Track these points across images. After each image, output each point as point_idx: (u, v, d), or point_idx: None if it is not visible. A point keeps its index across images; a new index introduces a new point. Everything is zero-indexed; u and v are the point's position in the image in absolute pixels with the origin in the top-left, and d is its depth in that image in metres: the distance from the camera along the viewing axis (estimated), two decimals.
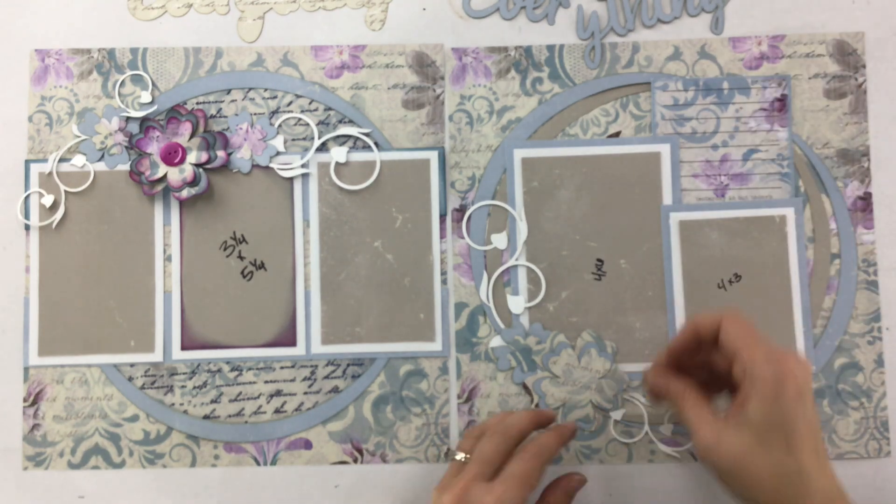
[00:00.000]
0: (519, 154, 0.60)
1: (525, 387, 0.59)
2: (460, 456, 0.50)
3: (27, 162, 0.60)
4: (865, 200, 0.59)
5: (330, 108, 0.60)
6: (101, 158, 0.60)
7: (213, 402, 0.59)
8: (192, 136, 0.59)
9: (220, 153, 0.59)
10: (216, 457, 0.58)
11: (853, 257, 0.59)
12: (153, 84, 0.60)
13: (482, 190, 0.60)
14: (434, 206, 0.60)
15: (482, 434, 0.51)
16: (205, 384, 0.59)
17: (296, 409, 0.59)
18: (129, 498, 0.58)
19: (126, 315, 0.59)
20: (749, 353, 0.45)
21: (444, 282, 0.59)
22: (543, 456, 0.50)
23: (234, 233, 0.60)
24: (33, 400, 0.59)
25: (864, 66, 0.60)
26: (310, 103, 0.60)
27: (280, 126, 0.60)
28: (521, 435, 0.51)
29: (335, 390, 0.59)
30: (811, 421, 0.44)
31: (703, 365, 0.50)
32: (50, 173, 0.60)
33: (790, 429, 0.44)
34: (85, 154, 0.60)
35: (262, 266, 0.60)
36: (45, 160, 0.60)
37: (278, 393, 0.59)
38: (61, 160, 0.60)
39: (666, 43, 0.60)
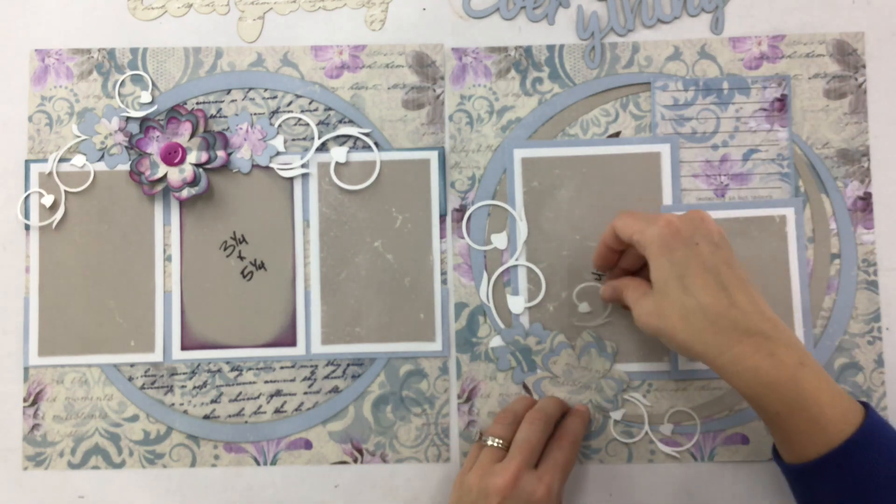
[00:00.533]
0: (519, 154, 0.60)
1: (525, 387, 0.59)
2: (493, 441, 0.52)
3: (27, 162, 0.60)
4: (865, 200, 0.59)
5: (330, 108, 0.60)
6: (101, 158, 0.60)
7: (213, 402, 0.59)
8: (192, 136, 0.59)
9: (220, 153, 0.59)
10: (216, 457, 0.58)
11: (853, 257, 0.59)
12: (153, 84, 0.60)
13: (482, 190, 0.60)
14: (434, 206, 0.60)
15: (514, 420, 0.54)
16: (205, 384, 0.59)
17: (296, 409, 0.59)
18: (129, 498, 0.58)
19: (126, 315, 0.59)
20: (638, 229, 0.50)
21: (444, 282, 0.59)
22: (579, 443, 0.55)
23: (234, 233, 0.60)
24: (33, 400, 0.59)
25: (864, 66, 0.60)
26: (310, 103, 0.60)
27: (280, 126, 0.60)
28: (555, 421, 0.55)
29: (335, 390, 0.59)
30: (707, 260, 0.48)
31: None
32: (50, 173, 0.60)
33: (682, 273, 0.48)
34: (85, 154, 0.60)
35: (262, 266, 0.60)
36: (45, 160, 0.60)
37: (278, 393, 0.59)
38: (61, 160, 0.60)
39: (666, 43, 0.60)
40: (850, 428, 0.45)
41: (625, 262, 0.55)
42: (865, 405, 0.47)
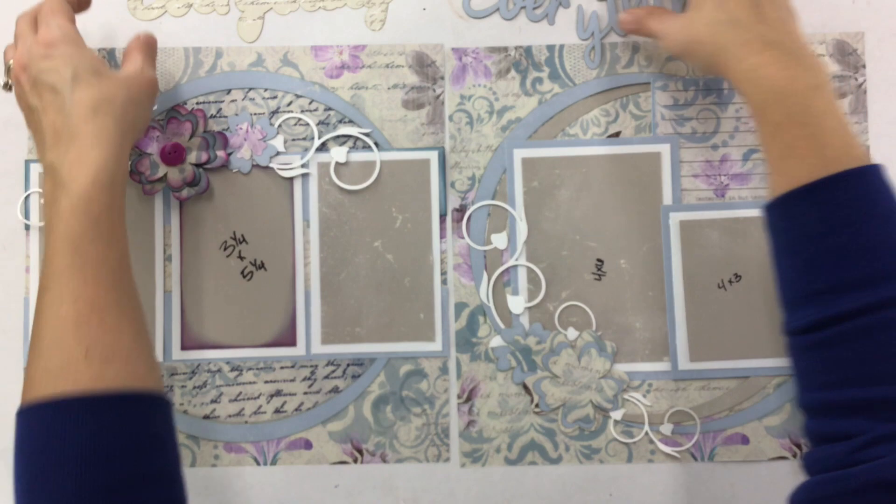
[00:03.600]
0: (519, 154, 0.60)
1: (525, 387, 0.59)
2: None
3: (27, 162, 0.60)
4: None
5: (330, 108, 0.60)
6: None
7: (213, 402, 0.59)
8: (192, 136, 0.59)
9: (220, 153, 0.59)
10: (216, 457, 0.58)
11: None
12: None
13: (482, 190, 0.60)
14: (434, 206, 0.60)
15: None
16: (205, 384, 0.59)
17: (296, 409, 0.59)
18: None
19: None
20: None
21: (444, 282, 0.59)
22: None
23: (234, 233, 0.60)
24: None
25: (864, 66, 0.60)
26: (310, 103, 0.60)
27: (280, 126, 0.60)
28: None
29: (335, 390, 0.59)
30: None
31: None
32: None
33: None
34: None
35: (262, 266, 0.60)
36: None
37: (278, 393, 0.59)
38: None
39: None
40: (850, 161, 0.44)
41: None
42: (881, 165, 0.45)
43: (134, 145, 0.59)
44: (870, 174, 0.44)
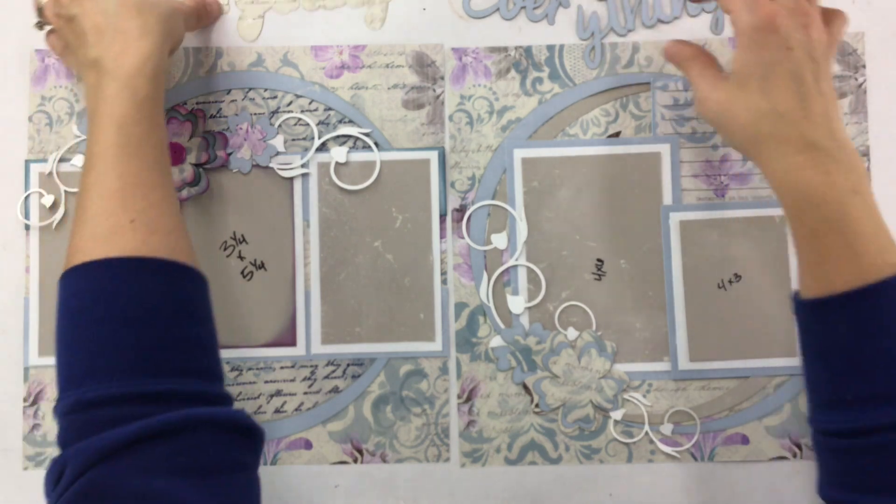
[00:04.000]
0: (519, 154, 0.60)
1: (525, 387, 0.59)
2: None
3: (27, 162, 0.60)
4: None
5: (330, 108, 0.60)
6: None
7: None
8: (192, 136, 0.59)
9: (220, 153, 0.59)
10: None
11: None
12: None
13: (482, 190, 0.60)
14: (434, 206, 0.60)
15: None
16: None
17: (296, 409, 0.59)
18: None
19: None
20: (737, 8, 0.47)
21: (444, 282, 0.59)
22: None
23: (234, 233, 0.60)
24: (33, 400, 0.59)
25: (864, 66, 0.60)
26: (310, 103, 0.60)
27: (280, 126, 0.60)
28: None
29: (335, 390, 0.59)
30: (796, 69, 0.45)
31: None
32: (50, 173, 0.60)
33: (766, 74, 0.46)
34: (85, 154, 0.60)
35: (262, 266, 0.60)
36: (45, 160, 0.60)
37: (278, 393, 0.59)
38: (61, 160, 0.60)
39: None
40: (887, 269, 0.43)
41: None
42: None
43: None
44: None
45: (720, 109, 0.48)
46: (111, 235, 0.45)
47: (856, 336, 0.43)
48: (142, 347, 0.43)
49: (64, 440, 0.42)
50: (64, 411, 0.42)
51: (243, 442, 0.45)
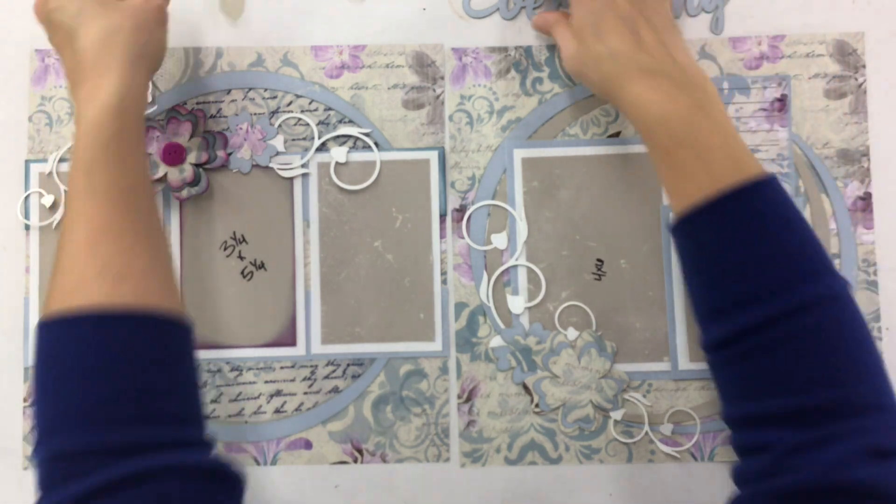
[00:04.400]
0: (519, 154, 0.60)
1: (525, 387, 0.59)
2: None
3: (27, 162, 0.60)
4: (865, 200, 0.59)
5: (330, 108, 0.60)
6: None
7: (212, 402, 0.59)
8: (192, 136, 0.59)
9: (220, 153, 0.59)
10: None
11: (853, 257, 0.59)
12: (153, 84, 0.60)
13: (482, 190, 0.60)
14: (434, 206, 0.60)
15: None
16: (205, 384, 0.59)
17: (296, 409, 0.59)
18: None
19: None
20: None
21: (444, 282, 0.59)
22: None
23: (234, 233, 0.60)
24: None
25: (864, 66, 0.60)
26: (310, 103, 0.60)
27: (280, 126, 0.60)
28: None
29: (335, 390, 0.59)
30: (624, 12, 0.51)
31: None
32: (50, 173, 0.60)
33: (596, 21, 0.51)
34: None
35: (262, 266, 0.60)
36: (45, 160, 0.60)
37: (278, 393, 0.59)
38: (61, 160, 0.60)
39: None
40: (738, 176, 0.45)
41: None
42: (773, 175, 0.46)
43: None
44: (760, 187, 0.45)
45: (574, 63, 0.53)
46: (78, 287, 0.44)
47: (720, 243, 0.45)
48: (106, 398, 0.42)
49: (39, 488, 0.42)
50: (35, 461, 0.42)
51: (218, 488, 0.43)
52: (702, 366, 0.58)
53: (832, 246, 0.59)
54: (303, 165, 0.60)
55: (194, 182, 0.58)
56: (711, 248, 0.45)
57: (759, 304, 0.43)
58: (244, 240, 0.60)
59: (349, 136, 0.60)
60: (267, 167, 0.60)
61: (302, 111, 0.60)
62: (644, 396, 0.58)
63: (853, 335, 0.43)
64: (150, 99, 0.60)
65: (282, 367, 0.59)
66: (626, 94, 0.49)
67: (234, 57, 0.61)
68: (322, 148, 0.60)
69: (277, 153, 0.60)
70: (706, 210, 0.45)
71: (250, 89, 0.60)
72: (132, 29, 0.51)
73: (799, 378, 0.42)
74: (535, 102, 0.60)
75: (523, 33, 0.61)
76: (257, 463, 0.58)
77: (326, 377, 0.59)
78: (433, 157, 0.60)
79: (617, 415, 0.58)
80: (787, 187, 0.59)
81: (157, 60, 0.55)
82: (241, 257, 0.60)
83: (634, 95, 0.49)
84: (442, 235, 0.60)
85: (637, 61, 0.49)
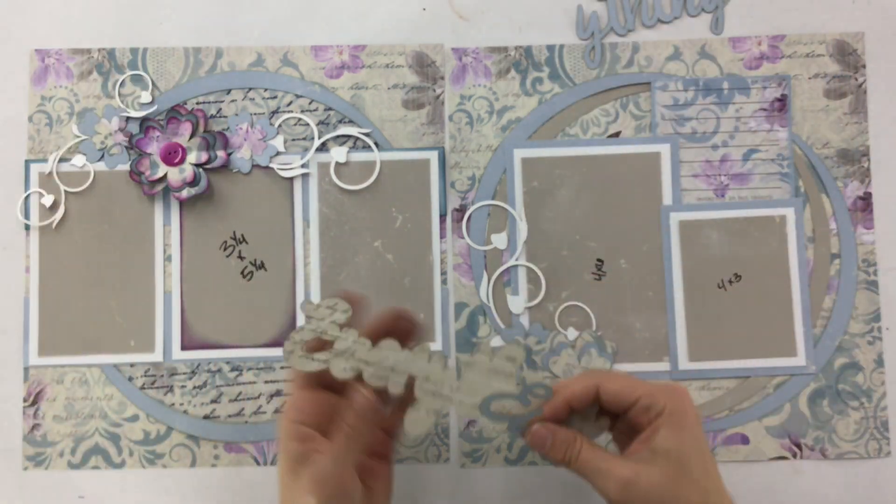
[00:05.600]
0: (519, 154, 0.60)
1: None
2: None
3: (27, 162, 0.60)
4: (865, 200, 0.59)
5: (330, 108, 0.60)
6: (101, 158, 0.60)
7: (213, 402, 0.59)
8: (192, 136, 0.59)
9: (220, 153, 0.59)
10: (216, 457, 0.58)
11: (853, 257, 0.59)
12: (153, 84, 0.60)
13: (482, 190, 0.60)
14: (434, 206, 0.60)
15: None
16: (205, 384, 0.59)
17: None
18: (129, 498, 0.58)
19: (126, 315, 0.59)
20: (644, 391, 0.45)
21: (444, 282, 0.59)
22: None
23: (234, 233, 0.60)
24: (33, 400, 0.59)
25: (864, 66, 0.60)
26: (310, 103, 0.60)
27: (280, 126, 0.60)
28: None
29: None
30: (706, 446, 0.45)
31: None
32: (50, 173, 0.60)
33: (703, 452, 0.45)
34: (85, 154, 0.60)
35: (262, 266, 0.60)
36: (45, 160, 0.60)
37: (278, 393, 0.59)
38: (61, 160, 0.60)
39: (666, 43, 0.60)
40: None
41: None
42: None
43: (134, 145, 0.59)
44: None
45: (659, 493, 0.44)
46: None
47: None
48: None
49: None
50: None
51: None
52: (702, 366, 0.58)
53: (832, 246, 0.59)
54: (303, 165, 0.60)
55: (194, 182, 0.58)
56: None
57: None
58: (244, 240, 0.60)
59: (349, 136, 0.60)
60: (267, 167, 0.60)
61: (302, 111, 0.60)
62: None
63: None
64: (149, 99, 0.60)
65: (282, 367, 0.59)
66: None
67: (234, 57, 0.61)
68: (322, 148, 0.60)
69: (277, 153, 0.60)
70: None
71: (250, 89, 0.60)
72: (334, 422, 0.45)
73: None
74: (535, 102, 0.60)
75: (523, 33, 0.61)
76: (257, 463, 0.58)
77: None
78: (433, 157, 0.60)
79: None
80: (788, 187, 0.59)
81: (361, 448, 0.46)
82: (241, 257, 0.60)
83: None
84: (442, 235, 0.60)
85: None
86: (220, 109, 0.60)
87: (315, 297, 0.59)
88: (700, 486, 0.44)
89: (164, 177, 0.58)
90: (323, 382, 0.46)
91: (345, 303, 0.46)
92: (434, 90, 0.60)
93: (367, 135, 0.60)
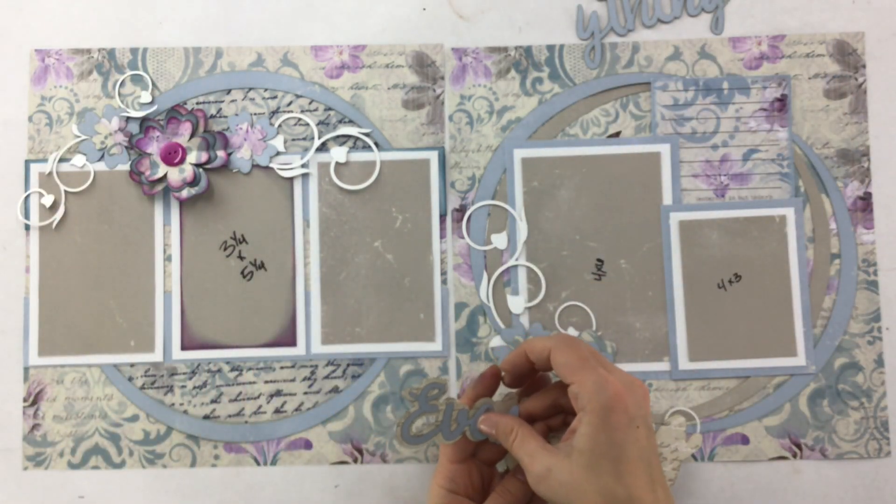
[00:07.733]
0: (519, 154, 0.60)
1: None
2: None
3: (27, 162, 0.60)
4: (865, 200, 0.59)
5: (330, 108, 0.60)
6: (101, 158, 0.60)
7: (213, 402, 0.59)
8: (192, 136, 0.59)
9: (220, 153, 0.59)
10: (216, 457, 0.58)
11: (853, 257, 0.59)
12: (153, 84, 0.60)
13: (482, 190, 0.60)
14: (434, 206, 0.60)
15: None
16: (205, 384, 0.59)
17: (296, 409, 0.59)
18: (129, 498, 0.58)
19: (126, 315, 0.59)
20: (579, 379, 0.45)
21: (444, 282, 0.59)
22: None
23: (234, 233, 0.60)
24: (33, 400, 0.59)
25: (864, 66, 0.60)
26: (310, 103, 0.60)
27: (280, 126, 0.60)
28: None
29: (335, 390, 0.59)
30: (644, 448, 0.44)
31: (552, 405, 0.51)
32: (50, 173, 0.60)
33: (619, 456, 0.44)
34: (85, 154, 0.60)
35: (262, 266, 0.60)
36: (45, 160, 0.60)
37: (278, 393, 0.59)
38: (61, 160, 0.60)
39: (666, 43, 0.60)
40: None
41: (517, 378, 0.52)
42: None
43: (134, 145, 0.59)
44: None
45: (567, 492, 0.44)
46: None
47: None
48: None
49: None
50: None
51: None
52: (702, 366, 0.58)
53: (832, 246, 0.59)
54: (303, 165, 0.60)
55: (194, 182, 0.58)
56: None
57: None
58: (244, 240, 0.60)
59: (349, 136, 0.60)
60: (267, 167, 0.60)
61: (302, 111, 0.60)
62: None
63: None
64: (149, 99, 0.60)
65: (282, 367, 0.59)
66: None
67: (234, 57, 0.61)
68: (322, 148, 0.60)
69: (277, 153, 0.60)
70: None
71: (250, 89, 0.60)
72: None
73: None
74: (535, 102, 0.60)
75: (523, 33, 0.61)
76: (257, 463, 0.58)
77: (326, 377, 0.59)
78: (433, 157, 0.60)
79: None
80: (788, 187, 0.59)
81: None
82: (241, 257, 0.60)
83: None
84: (442, 235, 0.60)
85: None
86: (220, 109, 0.60)
87: (315, 297, 0.59)
88: (607, 489, 0.43)
89: (164, 177, 0.58)
90: (471, 451, 0.52)
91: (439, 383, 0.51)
92: (434, 90, 0.60)
93: (367, 135, 0.60)
